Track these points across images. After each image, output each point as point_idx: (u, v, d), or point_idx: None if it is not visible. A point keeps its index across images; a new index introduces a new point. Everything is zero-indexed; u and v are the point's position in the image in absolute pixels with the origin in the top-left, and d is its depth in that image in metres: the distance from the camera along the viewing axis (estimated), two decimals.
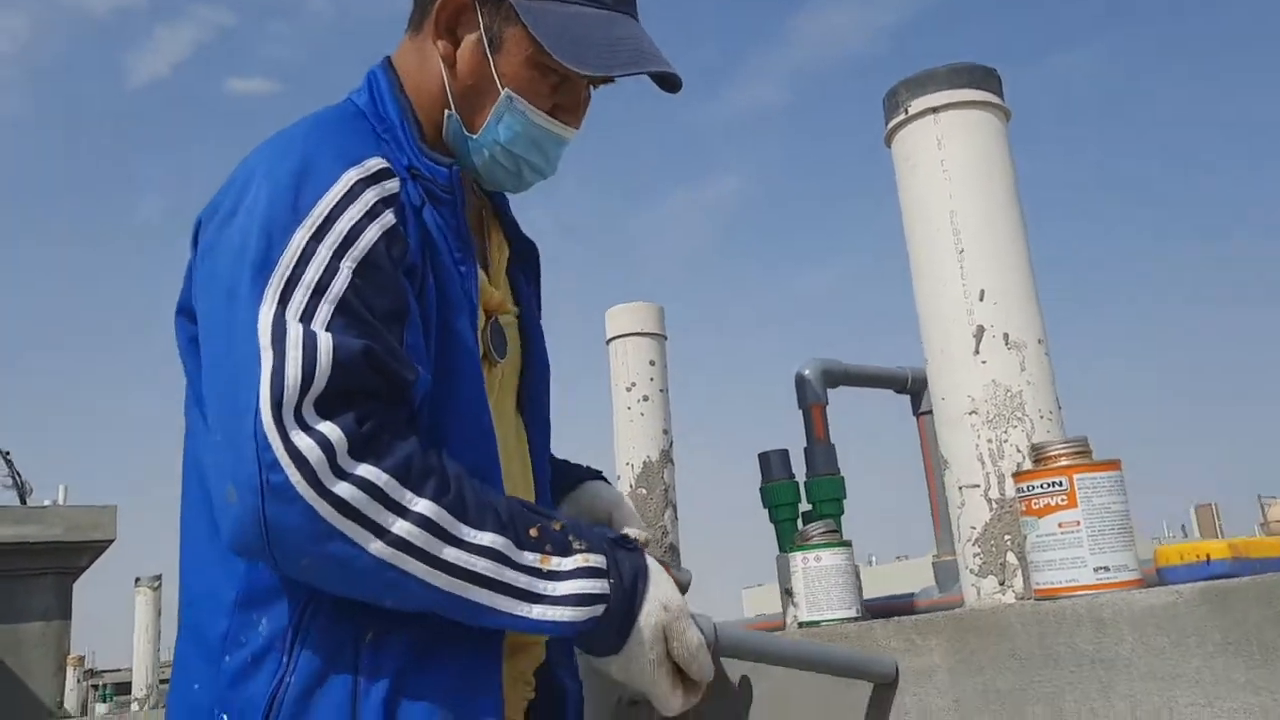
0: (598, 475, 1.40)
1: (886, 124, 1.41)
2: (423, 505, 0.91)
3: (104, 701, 6.75)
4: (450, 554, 0.91)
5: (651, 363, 2.12)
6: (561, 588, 0.94)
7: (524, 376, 1.25)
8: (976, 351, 1.28)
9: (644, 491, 2.07)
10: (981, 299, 1.29)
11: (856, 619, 1.40)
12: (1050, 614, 1.06)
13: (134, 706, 5.95)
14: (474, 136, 1.14)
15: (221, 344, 0.95)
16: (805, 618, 1.42)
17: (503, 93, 1.11)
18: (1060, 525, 1.10)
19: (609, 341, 2.16)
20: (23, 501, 11.03)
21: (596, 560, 0.97)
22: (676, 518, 2.10)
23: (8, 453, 11.63)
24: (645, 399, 2.11)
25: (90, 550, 9.42)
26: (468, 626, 0.97)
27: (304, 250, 0.94)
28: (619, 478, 2.13)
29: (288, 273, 0.93)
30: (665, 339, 2.16)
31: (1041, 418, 1.26)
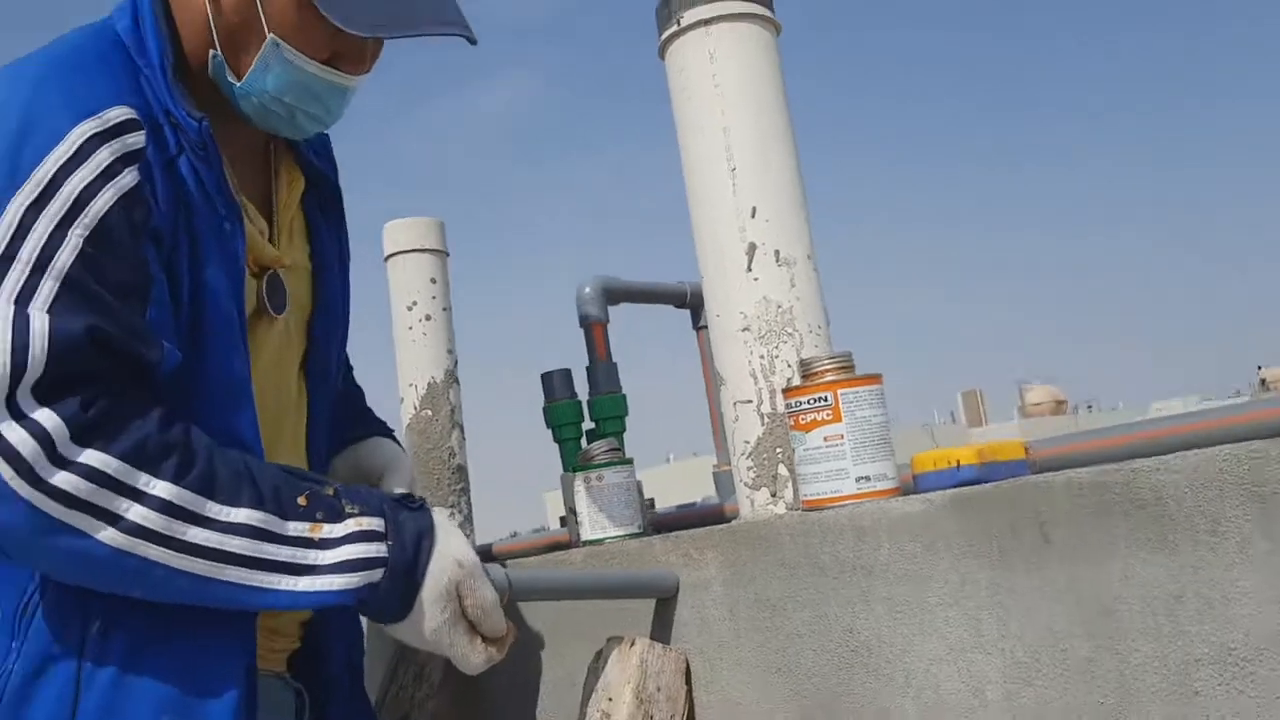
0: (385, 432, 1.34)
1: (660, 35, 1.38)
2: (160, 487, 0.86)
3: None
4: (196, 535, 0.87)
5: (433, 280, 2.05)
6: (332, 555, 0.91)
7: (311, 327, 1.17)
8: (749, 269, 1.29)
9: (429, 413, 2.02)
10: (753, 216, 1.29)
11: (638, 535, 1.42)
12: (815, 524, 1.10)
13: None
14: (238, 83, 1.03)
15: None
16: (589, 536, 1.43)
17: (268, 38, 1.00)
18: (826, 439, 1.13)
19: (387, 258, 2.08)
20: None
21: (371, 523, 0.94)
22: (464, 439, 2.07)
23: None
24: (427, 318, 2.05)
25: None
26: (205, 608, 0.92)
27: (20, 222, 0.86)
28: (402, 400, 2.07)
29: (2, 249, 0.85)
30: (447, 255, 2.10)
31: (810, 332, 1.29)
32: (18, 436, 0.82)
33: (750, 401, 1.28)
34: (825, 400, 1.13)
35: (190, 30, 1.04)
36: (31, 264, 0.85)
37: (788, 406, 1.18)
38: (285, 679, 1.14)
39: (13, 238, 0.85)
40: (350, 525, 0.93)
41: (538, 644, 1.38)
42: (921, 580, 1.01)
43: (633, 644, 1.17)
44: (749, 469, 1.28)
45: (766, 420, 1.27)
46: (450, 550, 0.98)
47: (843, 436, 1.12)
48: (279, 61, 1.02)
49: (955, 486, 1.03)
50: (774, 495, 1.26)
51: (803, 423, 1.15)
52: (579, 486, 1.43)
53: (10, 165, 0.87)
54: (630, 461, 1.47)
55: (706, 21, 1.32)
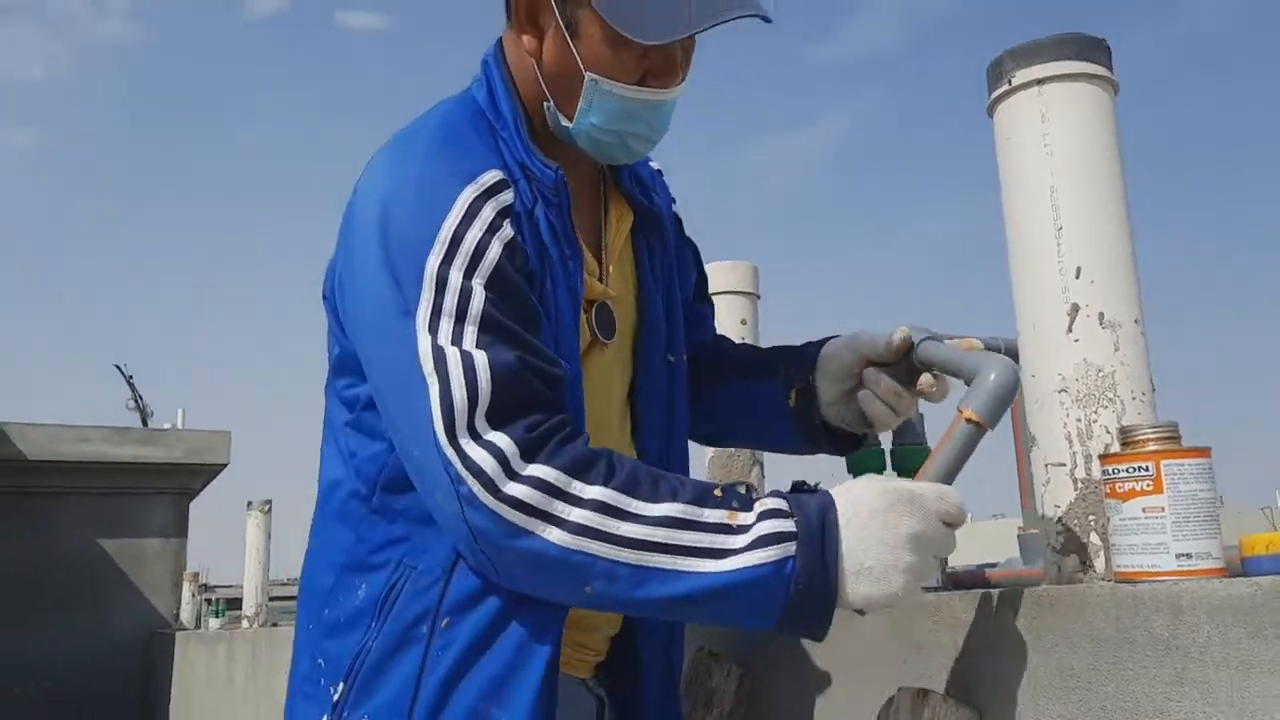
0: (819, 345, 1.36)
1: (989, 95, 1.39)
2: (594, 491, 0.98)
3: (216, 616, 7.14)
4: (628, 529, 0.97)
5: (743, 322, 2.14)
6: (747, 538, 0.98)
7: (636, 353, 1.29)
8: (1070, 330, 1.27)
9: (732, 448, 2.10)
10: (1077, 277, 1.27)
11: (936, 589, 1.42)
12: (1128, 597, 1.07)
13: (244, 623, 6.28)
14: (571, 124, 1.16)
15: (388, 378, 1.05)
16: None
17: (586, 77, 1.13)
18: (1144, 510, 1.10)
19: None
20: (144, 424, 11.60)
21: (776, 503, 1.01)
22: (764, 476, 2.13)
23: (131, 376, 12.23)
24: None
25: (206, 473, 9.91)
26: (526, 616, 1.03)
27: (438, 278, 1.02)
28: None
29: (430, 304, 1.01)
30: (758, 298, 2.18)
31: (1134, 399, 1.25)
32: (480, 455, 0.97)
33: (1064, 465, 1.26)
34: (1146, 470, 1.10)
35: (527, 89, 1.19)
36: (454, 314, 1.01)
37: (1104, 473, 1.15)
38: (587, 684, 1.25)
39: (436, 293, 1.01)
40: (758, 508, 1.00)
41: (830, 683, 1.41)
42: (1244, 668, 0.96)
43: (925, 696, 1.18)
44: (1058, 534, 1.26)
45: (1080, 486, 1.24)
46: (865, 512, 1.00)
47: (1163, 509, 1.09)
48: (599, 95, 1.14)
49: None
50: (1084, 563, 1.23)
51: (1120, 491, 1.12)
52: None
53: (419, 229, 1.03)
54: None
55: (1039, 81, 1.32)
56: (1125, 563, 1.11)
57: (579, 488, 0.97)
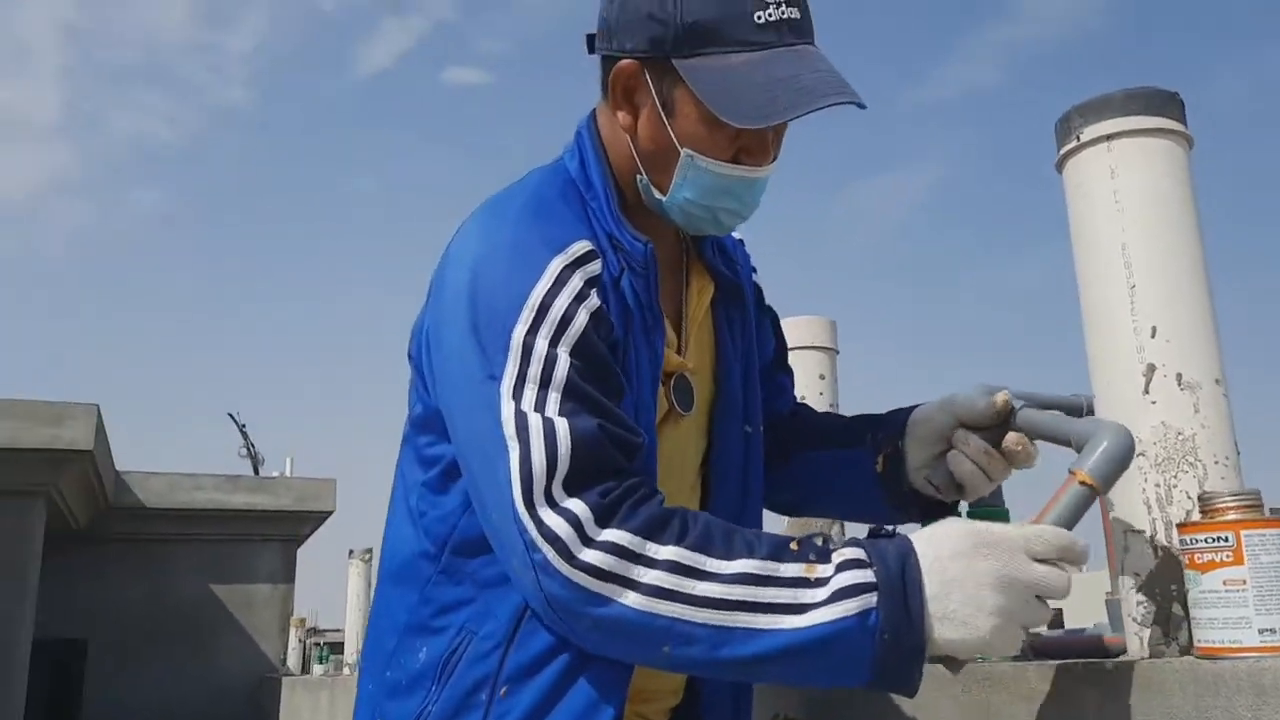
0: (908, 411, 1.35)
1: (1058, 150, 1.37)
2: (667, 551, 0.97)
3: (321, 662, 7.29)
4: (704, 588, 0.96)
5: (821, 377, 2.12)
6: (826, 590, 0.96)
7: (712, 426, 1.28)
8: (1146, 391, 1.23)
9: None
10: (1153, 336, 1.23)
11: (1014, 658, 1.38)
12: (1209, 675, 1.02)
13: (345, 670, 6.41)
14: (664, 198, 1.18)
15: (472, 442, 1.06)
16: None
17: (682, 153, 1.14)
18: (1225, 582, 1.05)
19: None
20: (256, 471, 11.99)
21: (854, 553, 0.98)
22: (844, 530, 2.10)
23: (244, 425, 12.67)
24: None
25: (313, 520, 10.18)
26: (585, 687, 1.03)
27: (524, 344, 1.03)
28: None
29: (515, 370, 1.03)
30: (836, 353, 2.16)
31: (1216, 463, 1.20)
32: (555, 522, 0.97)
33: (1143, 532, 1.21)
34: (1226, 540, 1.05)
35: (620, 162, 1.21)
36: (539, 381, 1.02)
37: (1182, 543, 1.10)
38: None
39: (522, 360, 1.03)
40: (836, 559, 0.98)
41: None
42: None
43: None
44: (1139, 604, 1.21)
45: (1161, 554, 1.20)
46: (947, 555, 0.97)
47: (1245, 582, 1.04)
48: (694, 170, 1.15)
49: None
50: (1166, 636, 1.18)
51: (1199, 562, 1.07)
52: None
53: (508, 296, 1.05)
54: None
55: (1109, 137, 1.29)
56: (1206, 638, 1.06)
57: (653, 549, 0.97)
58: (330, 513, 10.09)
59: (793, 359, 2.16)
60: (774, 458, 1.37)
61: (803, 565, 0.97)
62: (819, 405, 2.13)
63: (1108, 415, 1.27)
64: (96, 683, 8.96)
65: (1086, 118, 1.32)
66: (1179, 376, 1.22)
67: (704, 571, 0.96)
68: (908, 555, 0.98)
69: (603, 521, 0.97)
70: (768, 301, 1.48)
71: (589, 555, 0.96)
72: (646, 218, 1.22)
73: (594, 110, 1.26)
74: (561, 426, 1.00)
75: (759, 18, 1.09)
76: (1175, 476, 1.20)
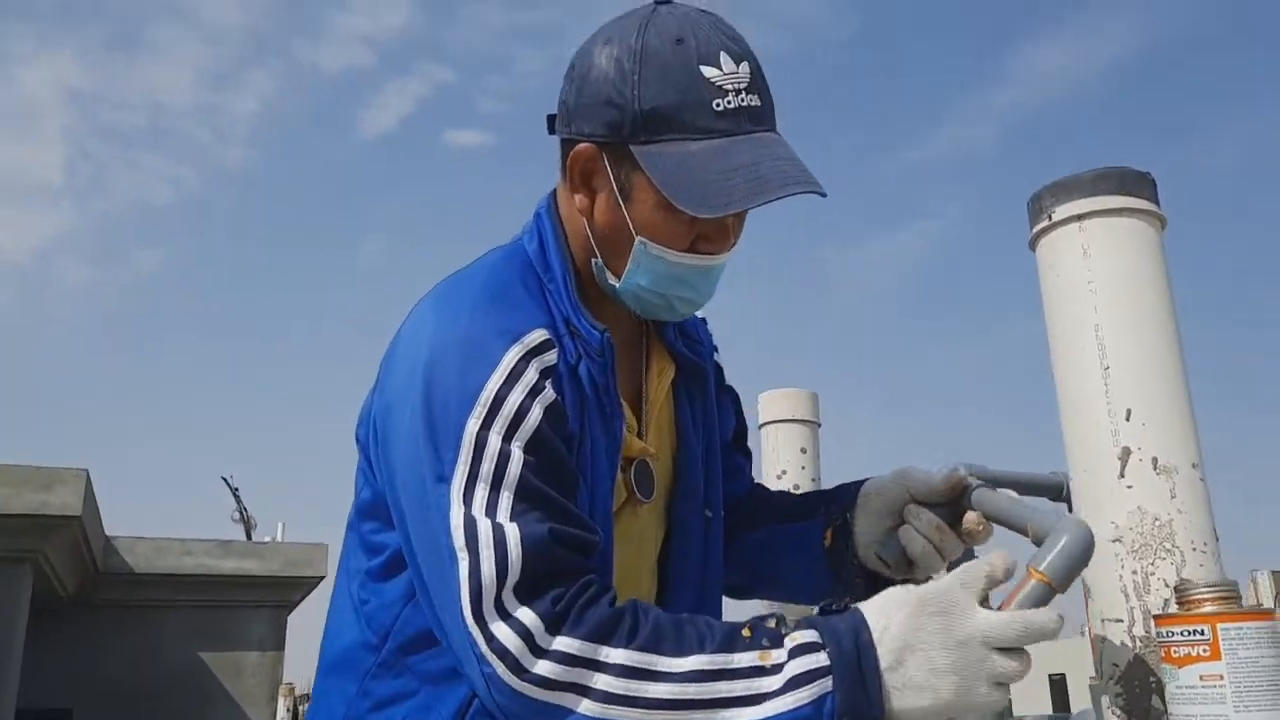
0: (860, 483, 1.31)
1: (1030, 228, 1.36)
2: (618, 655, 0.94)
3: None
4: (657, 690, 0.93)
5: (803, 450, 2.10)
6: (781, 678, 0.93)
7: (672, 511, 1.25)
8: (1122, 475, 1.21)
9: None
10: (1128, 419, 1.22)
11: None
12: None
13: None
14: (618, 283, 1.15)
15: (421, 542, 1.03)
16: None
17: (636, 240, 1.11)
18: (1201, 678, 1.02)
19: (761, 427, 2.16)
20: (248, 536, 11.87)
21: (806, 636, 0.95)
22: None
23: (237, 489, 12.58)
24: (796, 488, 2.09)
25: (304, 585, 10.02)
26: None
27: (477, 440, 1.00)
28: None
29: (466, 469, 0.99)
30: (818, 425, 2.14)
31: (1194, 550, 1.17)
32: (505, 634, 0.94)
33: (1120, 621, 1.18)
34: (1202, 634, 1.02)
35: (578, 244, 1.18)
36: (490, 480, 0.99)
37: (1158, 635, 1.07)
38: None
39: (473, 458, 0.99)
40: (788, 643, 0.94)
41: None
42: None
43: None
44: (1118, 695, 1.18)
45: (1139, 643, 1.17)
46: (896, 624, 0.94)
47: (1222, 677, 1.00)
48: (648, 258, 1.12)
49: None
50: None
51: (1175, 656, 1.04)
52: None
53: (461, 389, 1.02)
54: None
55: (1080, 217, 1.29)
56: None
57: (605, 653, 0.93)
58: (322, 578, 9.94)
59: (775, 432, 2.14)
60: (727, 541, 1.33)
61: (756, 653, 0.94)
62: (801, 478, 2.11)
63: (1084, 497, 1.25)
64: None
65: (1058, 197, 1.31)
66: (1154, 460, 1.20)
67: (657, 672, 0.93)
68: (859, 630, 0.94)
69: (553, 629, 0.94)
70: (729, 382, 1.45)
71: (540, 667, 0.93)
72: (605, 300, 1.19)
73: (554, 190, 1.24)
74: (512, 533, 0.96)
75: (718, 105, 1.07)
76: (1152, 563, 1.17)
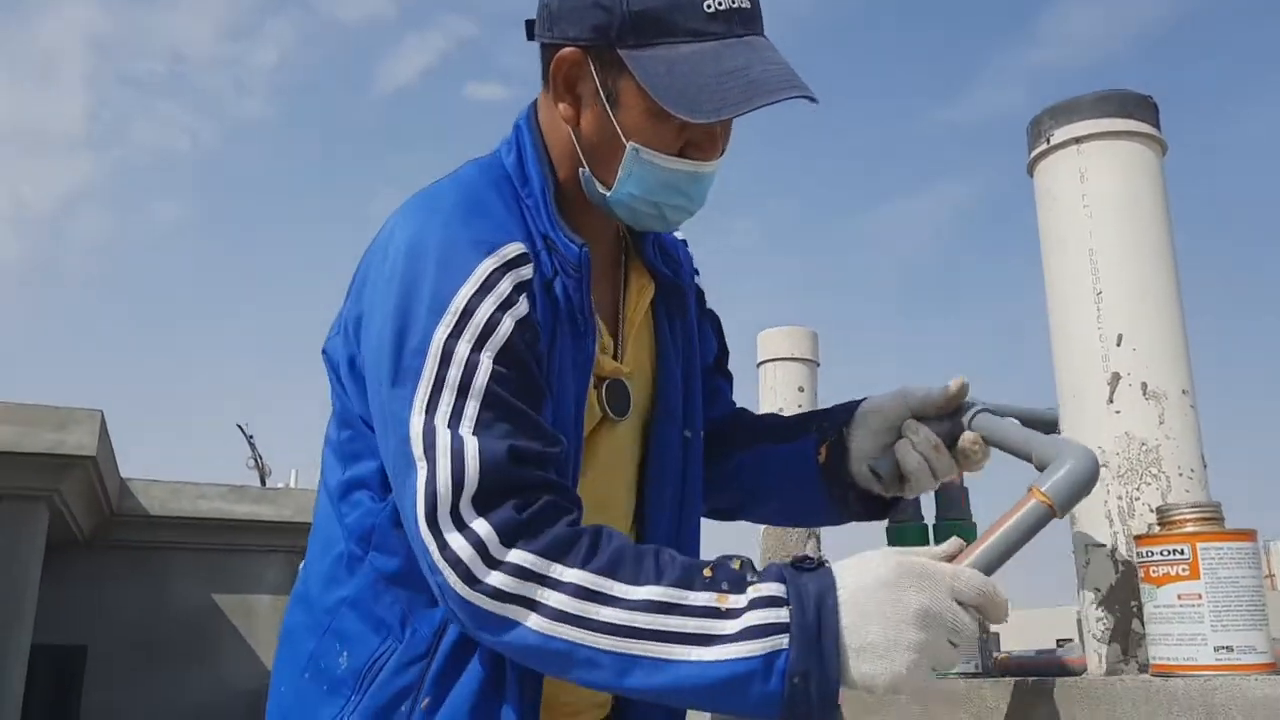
0: (859, 401, 1.30)
1: (1029, 154, 1.34)
2: (572, 574, 0.94)
3: None
4: (607, 614, 0.92)
5: (800, 389, 2.08)
6: (737, 624, 0.92)
7: (649, 431, 1.24)
8: (1110, 400, 1.19)
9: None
10: (1119, 344, 1.20)
11: (974, 674, 1.34)
12: (1161, 693, 0.98)
13: None
14: (609, 193, 1.14)
15: (387, 449, 1.03)
16: None
17: (627, 146, 1.10)
18: (1179, 597, 1.01)
19: (759, 365, 2.15)
20: (263, 483, 11.98)
21: (771, 589, 0.93)
22: (820, 548, 2.06)
23: (251, 436, 12.69)
24: None
25: None
26: (500, 697, 1.00)
27: (444, 349, 0.99)
28: None
29: (433, 376, 0.99)
30: (817, 365, 2.12)
31: (1180, 475, 1.16)
32: (458, 544, 0.94)
33: (1104, 545, 1.17)
34: (1181, 553, 1.01)
35: (560, 156, 1.16)
36: (457, 387, 0.98)
37: (1138, 555, 1.06)
38: None
39: (440, 364, 0.99)
40: (751, 593, 0.93)
41: None
42: None
43: None
44: (1098, 620, 1.17)
45: (1122, 568, 1.16)
46: (868, 591, 0.93)
47: (1200, 596, 1.00)
48: (639, 165, 1.10)
49: None
50: (1125, 653, 1.14)
51: (1154, 575, 1.03)
52: None
53: (432, 298, 1.01)
54: None
55: (1078, 140, 1.26)
56: (1161, 654, 1.02)
57: (559, 570, 0.93)
58: None
59: (773, 370, 2.13)
60: (711, 462, 1.33)
61: (714, 594, 0.93)
62: None
63: (1071, 423, 1.23)
64: (95, 690, 8.93)
65: (1057, 119, 1.29)
66: (1144, 385, 1.18)
67: (609, 596, 0.92)
68: (826, 594, 0.93)
69: (508, 541, 0.94)
70: (710, 306, 1.43)
71: (492, 578, 0.93)
72: (585, 215, 1.17)
73: (534, 102, 1.21)
74: (471, 445, 0.96)
75: (709, 6, 1.05)
76: (1138, 488, 1.16)
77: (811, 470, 1.28)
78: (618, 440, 1.19)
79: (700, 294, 1.39)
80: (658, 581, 0.93)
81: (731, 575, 0.95)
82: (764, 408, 2.15)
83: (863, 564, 0.96)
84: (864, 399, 1.30)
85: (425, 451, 0.96)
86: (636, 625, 0.92)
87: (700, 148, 1.12)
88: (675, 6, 1.06)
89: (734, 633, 0.91)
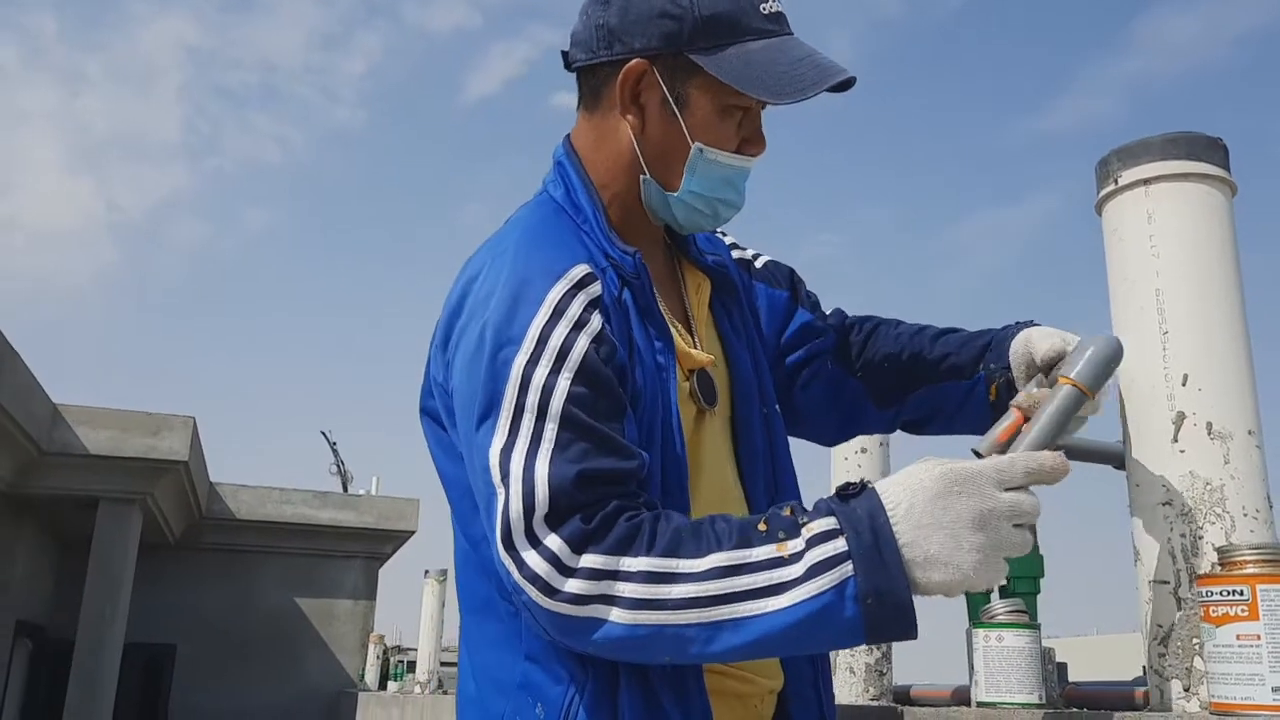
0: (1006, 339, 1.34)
1: (1097, 193, 1.36)
2: (639, 563, 0.99)
3: (395, 679, 7.40)
4: (680, 590, 0.97)
5: (862, 450, 2.10)
6: (801, 566, 0.96)
7: (733, 418, 1.30)
8: (1175, 439, 1.21)
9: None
10: (1184, 384, 1.21)
11: (1037, 705, 1.36)
12: None
13: (416, 689, 6.49)
14: (674, 194, 1.21)
15: (475, 476, 1.08)
16: (984, 697, 1.39)
17: (693, 147, 1.18)
18: (1238, 637, 1.03)
19: None
20: (345, 489, 12.27)
21: (824, 524, 0.98)
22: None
23: (335, 444, 12.99)
24: (863, 450, 2.11)
25: (396, 539, 10.35)
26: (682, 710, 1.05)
27: (523, 375, 1.05)
28: None
29: (513, 403, 1.05)
30: None
31: (1245, 516, 1.17)
32: (535, 561, 0.99)
33: (1167, 583, 1.19)
34: (1241, 594, 1.03)
35: (605, 174, 1.24)
36: (535, 411, 1.04)
37: (1197, 595, 1.08)
38: None
39: (519, 390, 1.05)
40: (805, 533, 0.98)
41: None
42: None
43: None
44: (1160, 656, 1.19)
45: (1185, 605, 1.17)
46: (921, 501, 0.97)
47: (1259, 637, 1.01)
48: (704, 163, 1.19)
49: None
50: (1187, 690, 1.16)
51: (1213, 615, 1.05)
52: (978, 644, 1.40)
53: (510, 328, 1.07)
54: (1037, 626, 1.40)
55: (1146, 181, 1.28)
56: (1220, 693, 1.04)
57: (627, 563, 0.98)
58: (412, 532, 10.26)
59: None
60: (882, 391, 1.40)
61: (774, 545, 0.97)
62: (868, 442, 2.12)
63: (1137, 461, 1.25)
64: (182, 686, 9.23)
65: (1125, 161, 1.31)
66: (1209, 425, 1.19)
67: (678, 574, 0.97)
68: (876, 514, 0.97)
69: (578, 549, 0.99)
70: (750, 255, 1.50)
71: (569, 585, 0.98)
72: (633, 233, 1.24)
73: (567, 136, 1.29)
74: (542, 470, 1.01)
75: (764, 8, 1.18)
76: (1202, 527, 1.18)
77: (984, 409, 1.34)
78: (716, 435, 1.25)
79: (744, 263, 1.46)
80: (719, 548, 0.98)
81: (785, 522, 0.99)
82: None
83: (908, 479, 1.00)
84: (1010, 334, 1.33)
85: (503, 479, 1.02)
86: (710, 593, 0.96)
87: (753, 143, 1.22)
88: (740, 10, 1.17)
89: (801, 575, 0.95)
